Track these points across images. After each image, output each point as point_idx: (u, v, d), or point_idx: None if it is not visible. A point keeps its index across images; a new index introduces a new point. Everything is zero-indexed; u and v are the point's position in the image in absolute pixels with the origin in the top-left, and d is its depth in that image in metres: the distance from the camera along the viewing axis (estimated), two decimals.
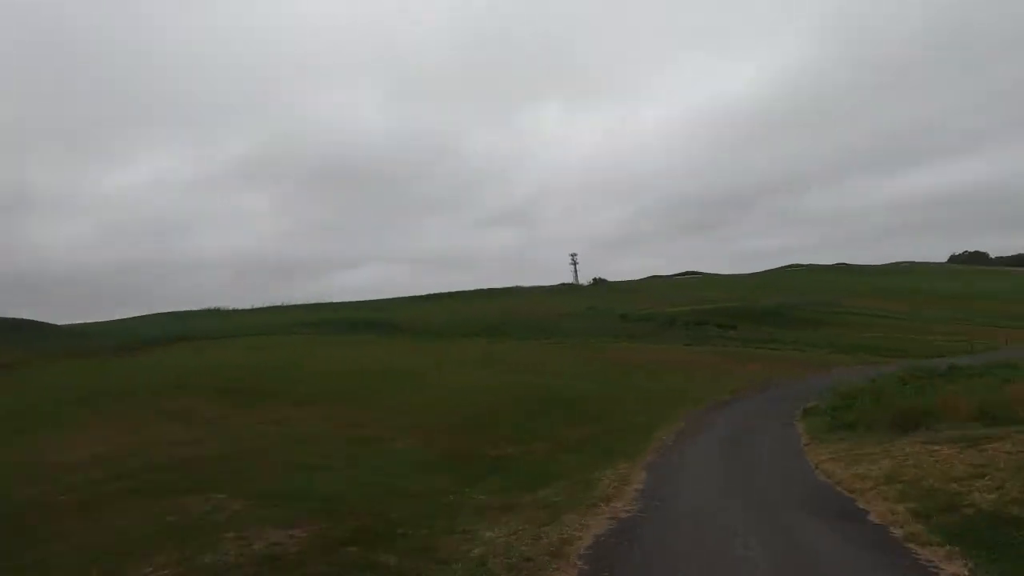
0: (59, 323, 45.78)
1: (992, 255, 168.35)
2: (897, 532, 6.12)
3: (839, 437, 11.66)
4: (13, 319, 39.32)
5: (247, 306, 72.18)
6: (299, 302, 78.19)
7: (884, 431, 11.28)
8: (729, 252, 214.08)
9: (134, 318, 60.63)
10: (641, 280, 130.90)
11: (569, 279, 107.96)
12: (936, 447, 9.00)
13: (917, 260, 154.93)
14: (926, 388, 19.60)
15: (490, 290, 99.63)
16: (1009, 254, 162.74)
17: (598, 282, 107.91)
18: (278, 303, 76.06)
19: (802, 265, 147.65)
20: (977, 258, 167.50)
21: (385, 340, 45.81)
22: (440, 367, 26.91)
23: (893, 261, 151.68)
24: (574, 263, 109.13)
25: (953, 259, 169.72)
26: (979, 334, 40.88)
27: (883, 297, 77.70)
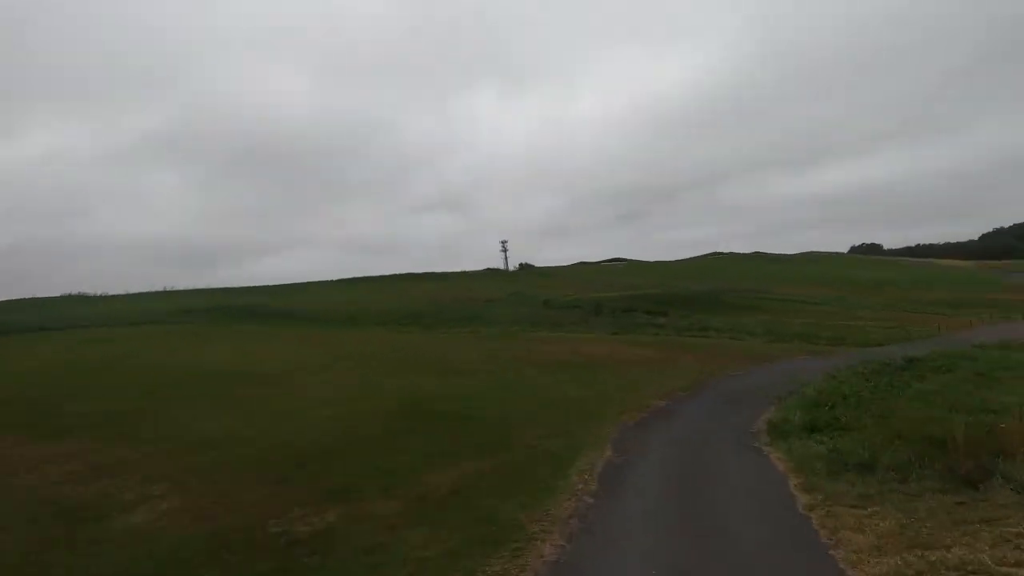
0: None
1: (885, 247, 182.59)
2: None
3: (859, 493, 7.07)
4: None
5: (131, 291, 63.93)
6: (198, 287, 69.83)
7: (932, 481, 6.80)
8: (654, 242, 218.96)
9: None
10: (567, 266, 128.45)
11: (499, 267, 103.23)
12: None
13: (823, 250, 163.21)
14: (896, 385, 16.02)
15: (412, 275, 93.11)
16: (900, 246, 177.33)
17: (524, 267, 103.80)
18: (163, 288, 67.46)
19: (723, 253, 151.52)
20: (873, 249, 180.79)
21: (269, 331, 39.19)
22: (309, 367, 20.99)
23: (802, 251, 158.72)
24: (504, 250, 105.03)
25: (853, 250, 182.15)
26: (905, 320, 39.53)
27: (803, 284, 78.28)
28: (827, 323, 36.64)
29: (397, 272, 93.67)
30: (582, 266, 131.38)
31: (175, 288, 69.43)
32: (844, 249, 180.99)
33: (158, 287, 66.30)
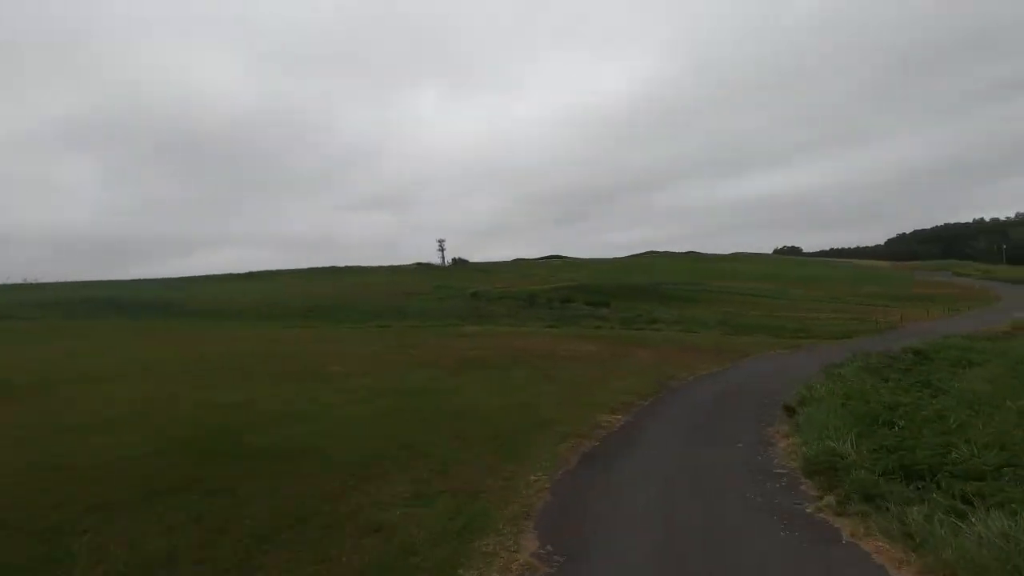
0: None
1: (805, 249, 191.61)
2: None
3: None
4: None
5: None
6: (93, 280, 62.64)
7: None
8: (591, 243, 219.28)
9: None
10: (505, 262, 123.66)
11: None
12: None
13: (750, 251, 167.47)
14: (928, 384, 11.56)
15: (335, 268, 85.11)
16: (816, 249, 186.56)
17: (458, 262, 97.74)
18: (26, 281, 59.32)
19: (659, 252, 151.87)
20: (795, 251, 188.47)
21: (129, 325, 31.86)
22: (108, 374, 14.48)
23: (732, 252, 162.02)
24: (442, 249, 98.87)
25: (777, 251, 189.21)
26: (859, 312, 36.83)
27: (739, 280, 76.82)
28: (783, 315, 33.17)
29: (320, 265, 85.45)
30: (520, 262, 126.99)
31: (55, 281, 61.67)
32: (769, 251, 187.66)
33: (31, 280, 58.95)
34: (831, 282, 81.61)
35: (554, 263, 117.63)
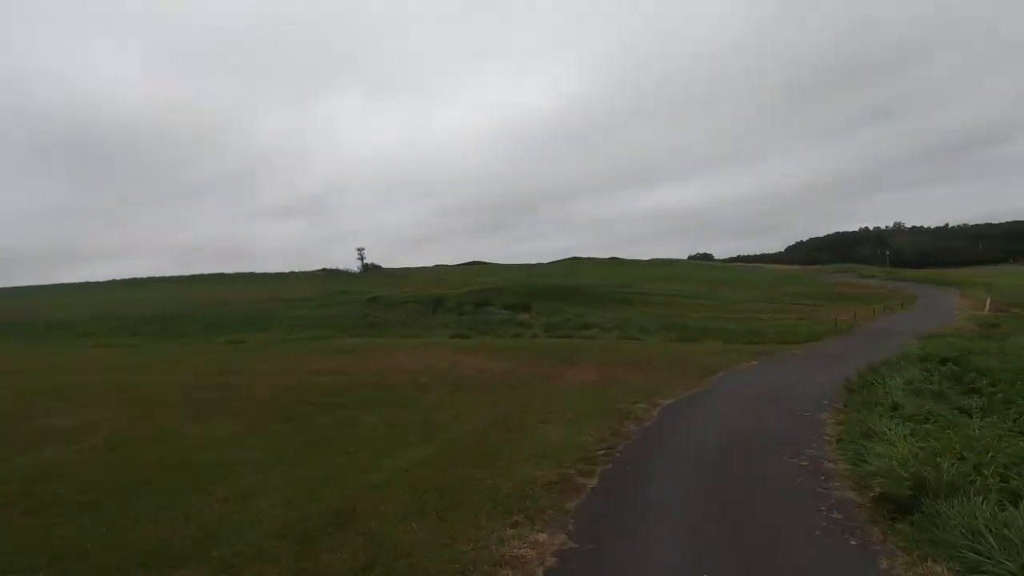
0: None
1: (715, 256, 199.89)
2: None
3: None
4: None
5: None
6: None
7: None
8: (514, 253, 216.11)
9: None
10: (424, 267, 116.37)
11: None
12: None
13: (668, 257, 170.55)
14: None
15: (219, 275, 74.68)
16: (726, 256, 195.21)
17: (371, 268, 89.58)
18: None
19: (583, 257, 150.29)
20: (707, 257, 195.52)
21: None
22: None
23: (652, 258, 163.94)
24: (361, 258, 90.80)
25: (691, 257, 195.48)
26: (805, 313, 33.65)
27: (665, 283, 74.50)
28: (724, 316, 29.06)
29: (202, 272, 74.65)
30: (440, 268, 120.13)
31: None
32: (684, 257, 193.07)
33: None
34: (752, 284, 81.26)
35: (475, 268, 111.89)
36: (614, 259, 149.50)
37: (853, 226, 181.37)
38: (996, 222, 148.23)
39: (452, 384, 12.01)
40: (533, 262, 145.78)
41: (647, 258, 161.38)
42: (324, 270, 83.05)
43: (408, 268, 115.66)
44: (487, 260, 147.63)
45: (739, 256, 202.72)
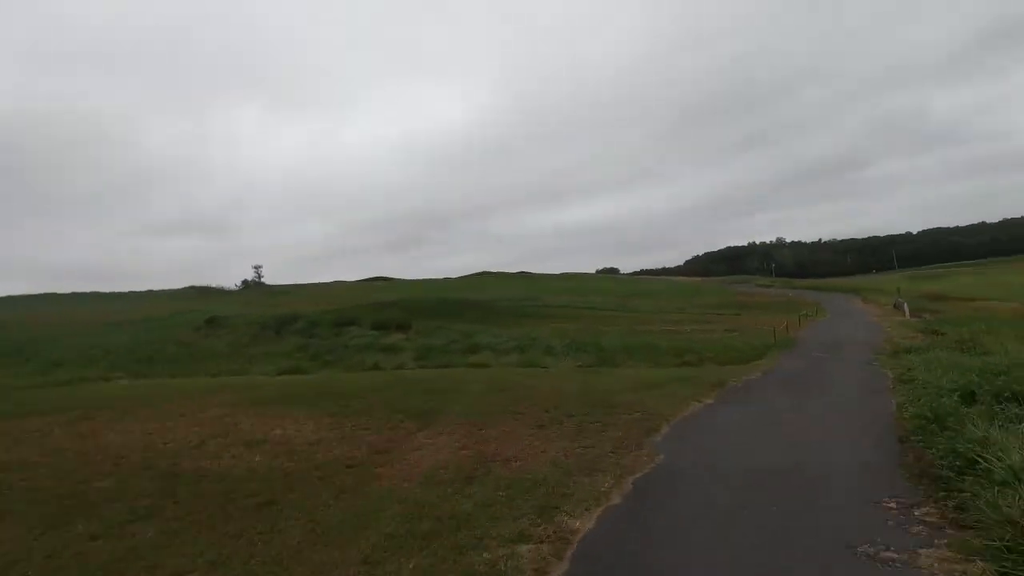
0: None
1: (622, 270, 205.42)
2: None
3: None
4: None
5: None
6: None
7: None
8: (425, 269, 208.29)
9: None
10: (319, 284, 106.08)
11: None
12: None
13: (576, 271, 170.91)
14: None
15: (54, 295, 61.77)
16: (631, 270, 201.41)
17: (252, 285, 79.03)
18: None
19: (493, 272, 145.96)
20: (613, 271, 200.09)
21: None
22: None
23: (561, 272, 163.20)
24: (258, 276, 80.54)
25: (599, 271, 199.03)
26: (735, 324, 30.07)
27: (575, 295, 70.99)
28: (645, 329, 24.54)
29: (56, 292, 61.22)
30: (339, 284, 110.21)
31: None
32: (592, 271, 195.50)
33: None
34: (662, 295, 80.00)
35: (377, 284, 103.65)
36: (523, 273, 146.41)
37: (742, 241, 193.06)
38: (859, 237, 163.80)
39: (160, 490, 5.78)
40: (443, 277, 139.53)
41: (557, 272, 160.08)
42: (192, 287, 71.72)
43: (302, 285, 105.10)
44: (393, 276, 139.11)
45: (643, 270, 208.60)
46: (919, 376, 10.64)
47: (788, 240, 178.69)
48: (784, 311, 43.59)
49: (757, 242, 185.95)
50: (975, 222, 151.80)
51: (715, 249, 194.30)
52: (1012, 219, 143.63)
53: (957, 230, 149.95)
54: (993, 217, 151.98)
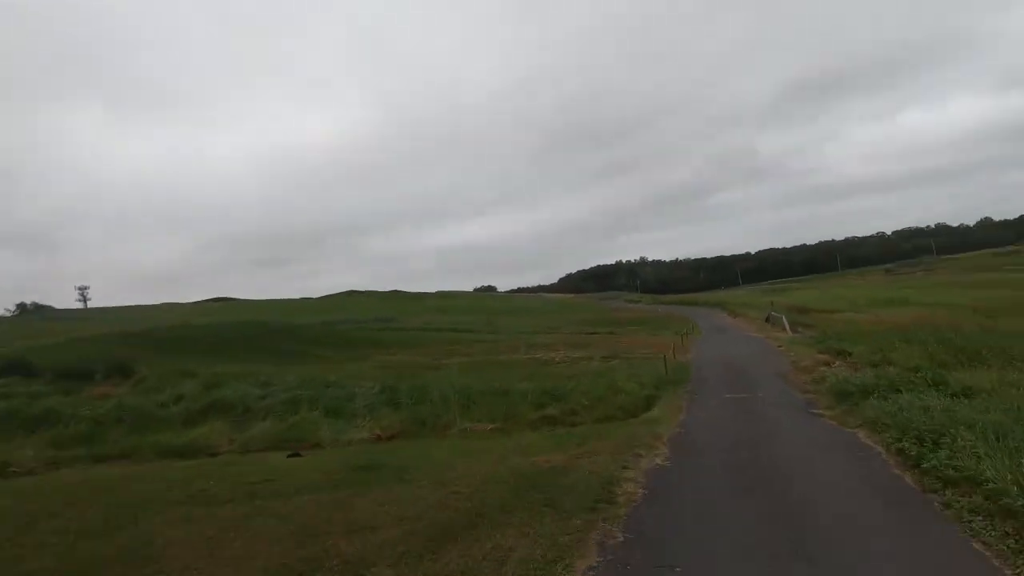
0: None
1: (500, 289, 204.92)
2: None
3: None
4: None
5: None
6: None
7: None
8: (295, 288, 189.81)
9: None
10: (142, 307, 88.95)
11: None
12: None
13: (452, 290, 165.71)
14: None
15: None
16: (509, 288, 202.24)
17: (33, 309, 62.76)
18: None
19: (362, 291, 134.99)
20: (491, 289, 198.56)
21: None
22: None
23: (436, 291, 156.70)
24: (84, 298, 64.86)
25: (476, 290, 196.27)
26: (604, 346, 25.28)
27: (447, 314, 64.72)
28: (506, 359, 18.74)
29: None
30: (169, 306, 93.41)
31: None
32: (470, 289, 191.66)
33: None
34: (536, 311, 76.52)
35: (213, 306, 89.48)
36: (395, 292, 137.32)
37: (610, 259, 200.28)
38: (708, 256, 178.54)
39: None
40: (307, 297, 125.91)
41: (434, 291, 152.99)
42: None
43: (123, 307, 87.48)
44: (240, 297, 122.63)
45: (519, 288, 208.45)
46: (966, 464, 5.54)
47: (650, 259, 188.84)
48: (660, 327, 40.73)
49: (623, 260, 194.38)
50: (798, 244, 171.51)
51: (586, 267, 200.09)
52: (826, 241, 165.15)
53: (785, 251, 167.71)
54: (812, 239, 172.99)
